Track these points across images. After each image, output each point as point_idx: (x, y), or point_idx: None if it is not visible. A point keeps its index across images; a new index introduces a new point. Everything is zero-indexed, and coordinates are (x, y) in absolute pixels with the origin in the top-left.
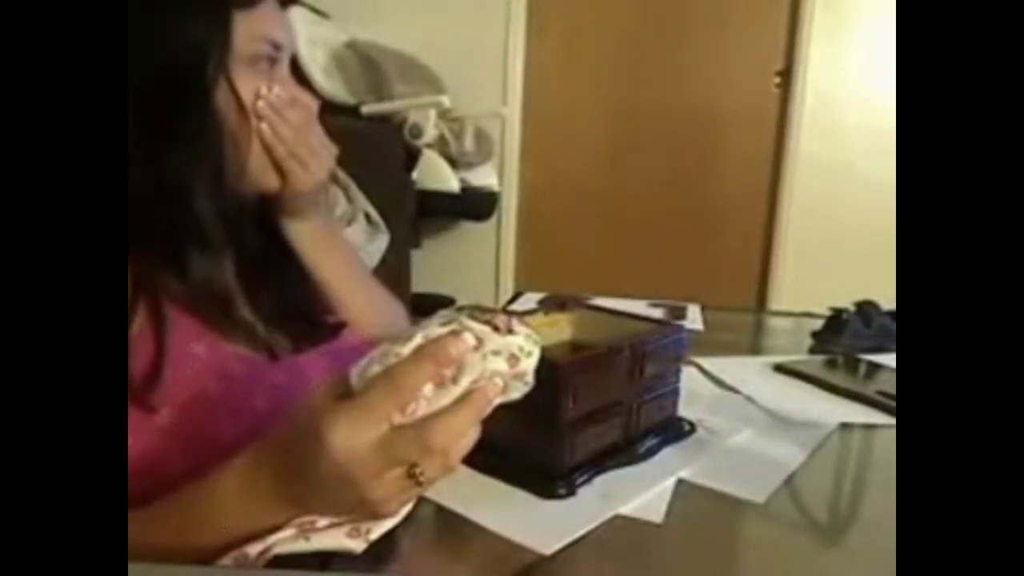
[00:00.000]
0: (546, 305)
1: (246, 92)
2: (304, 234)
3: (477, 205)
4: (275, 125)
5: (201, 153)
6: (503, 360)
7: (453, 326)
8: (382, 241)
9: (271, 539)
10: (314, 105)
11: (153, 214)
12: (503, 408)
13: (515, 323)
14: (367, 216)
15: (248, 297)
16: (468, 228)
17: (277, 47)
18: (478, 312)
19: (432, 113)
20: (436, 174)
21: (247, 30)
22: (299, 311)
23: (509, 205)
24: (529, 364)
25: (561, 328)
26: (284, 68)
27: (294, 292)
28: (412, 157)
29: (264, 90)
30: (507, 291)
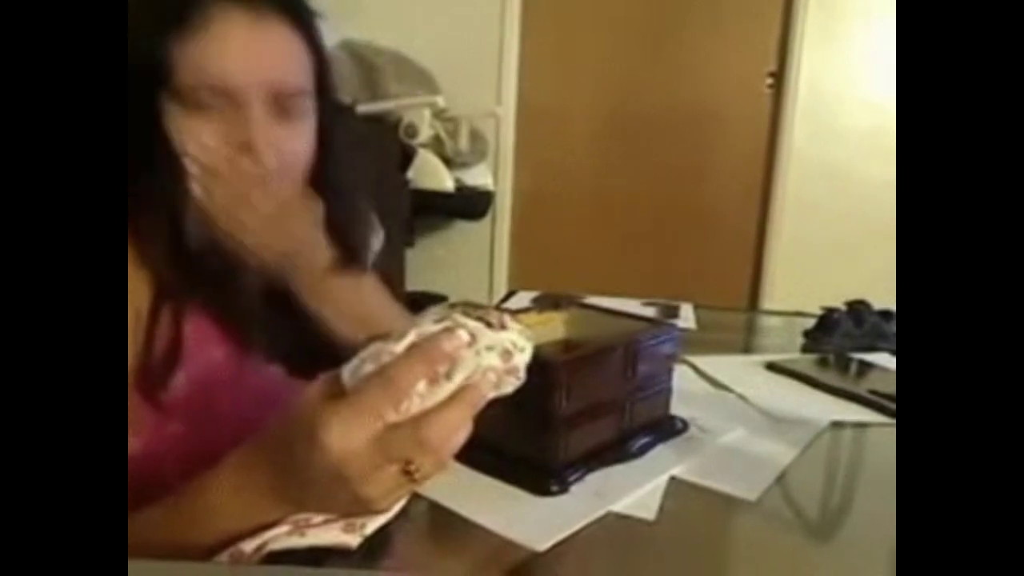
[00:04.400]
0: (540, 304)
1: (185, 139)
2: (298, 279)
3: (472, 204)
4: (206, 185)
5: (157, 201)
6: (496, 356)
7: (446, 323)
8: (376, 240)
9: (266, 535)
10: (268, 167)
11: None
12: (497, 405)
13: (507, 319)
14: None
15: (275, 323)
16: (462, 227)
17: (225, 92)
18: (470, 308)
19: (427, 113)
20: (431, 173)
21: (186, 62)
22: (319, 342)
23: (503, 204)
24: (522, 359)
25: (555, 326)
26: (252, 112)
27: (313, 325)
28: (407, 157)
29: (191, 145)
30: (501, 290)
